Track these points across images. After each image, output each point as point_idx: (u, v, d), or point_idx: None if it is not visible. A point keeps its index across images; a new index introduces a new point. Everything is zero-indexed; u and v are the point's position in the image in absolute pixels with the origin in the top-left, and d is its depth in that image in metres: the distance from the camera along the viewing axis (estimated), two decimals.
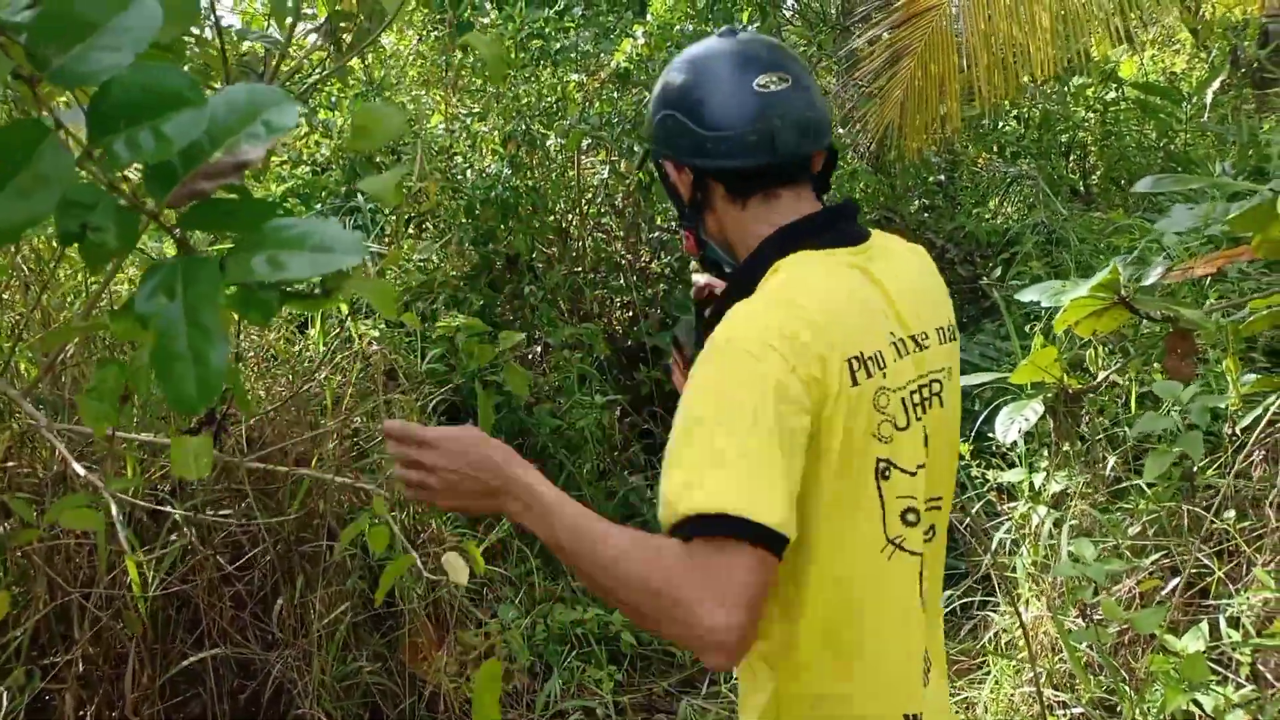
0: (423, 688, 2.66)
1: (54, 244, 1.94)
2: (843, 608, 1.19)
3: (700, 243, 1.36)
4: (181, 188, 0.87)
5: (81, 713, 2.13)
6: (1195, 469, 2.62)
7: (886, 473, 1.19)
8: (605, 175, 5.29)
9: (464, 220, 4.30)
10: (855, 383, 1.15)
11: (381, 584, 1.58)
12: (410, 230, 4.49)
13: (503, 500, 1.15)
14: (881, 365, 1.18)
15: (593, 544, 1.09)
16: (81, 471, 1.45)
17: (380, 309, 0.87)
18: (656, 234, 5.92)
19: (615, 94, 5.04)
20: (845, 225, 1.28)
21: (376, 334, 3.02)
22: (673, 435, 1.10)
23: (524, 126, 4.56)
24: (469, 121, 4.68)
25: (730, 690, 3.06)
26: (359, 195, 4.34)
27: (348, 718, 2.48)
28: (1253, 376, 2.95)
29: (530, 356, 4.53)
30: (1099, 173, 6.42)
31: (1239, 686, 2.33)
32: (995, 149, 6.31)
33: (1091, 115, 6.51)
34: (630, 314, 5.54)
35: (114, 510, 1.41)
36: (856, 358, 1.16)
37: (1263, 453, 2.57)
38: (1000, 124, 6.52)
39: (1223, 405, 2.80)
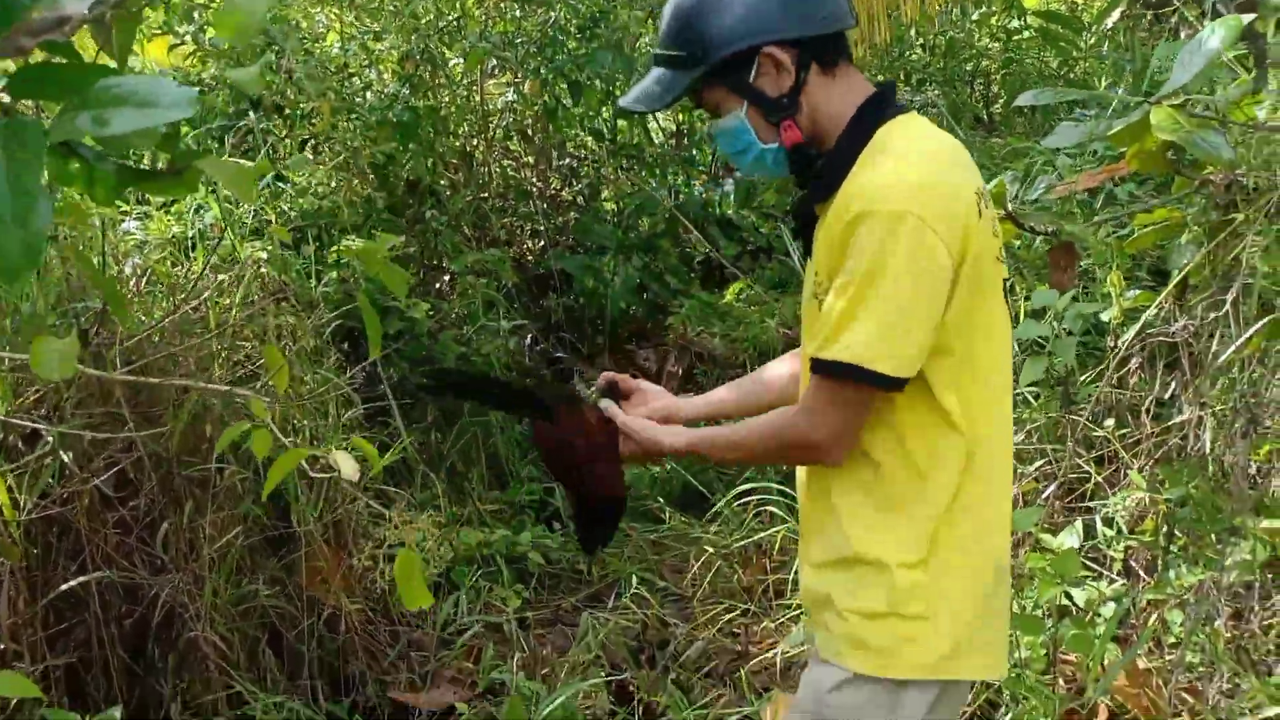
0: (321, 609, 2.64)
1: None
2: (989, 422, 1.38)
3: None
4: (3, 43, 0.81)
5: None
6: (1071, 376, 2.72)
7: (1007, 291, 1.42)
8: (511, 98, 5.17)
9: (361, 142, 4.16)
10: (980, 215, 1.35)
11: (268, 479, 1.54)
12: (305, 153, 4.33)
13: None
14: (988, 202, 1.39)
15: (727, 443, 1.50)
16: None
17: (238, 193, 0.83)
18: (567, 160, 5.84)
19: (518, 13, 4.91)
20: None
21: (265, 255, 2.92)
22: (837, 284, 1.32)
23: (422, 45, 4.42)
24: (365, 39, 4.50)
25: (633, 602, 3.10)
26: (250, 114, 4.16)
27: (244, 640, 2.45)
28: (1135, 292, 3.06)
29: (438, 287, 4.45)
30: (1001, 100, 6.52)
31: (1111, 581, 2.45)
32: (902, 76, 6.35)
33: (995, 44, 6.59)
34: (540, 242, 5.48)
35: None
36: (979, 192, 1.36)
37: (1138, 362, 2.67)
38: (907, 52, 6.56)
39: (1105, 319, 2.90)
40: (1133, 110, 2.03)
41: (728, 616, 3.05)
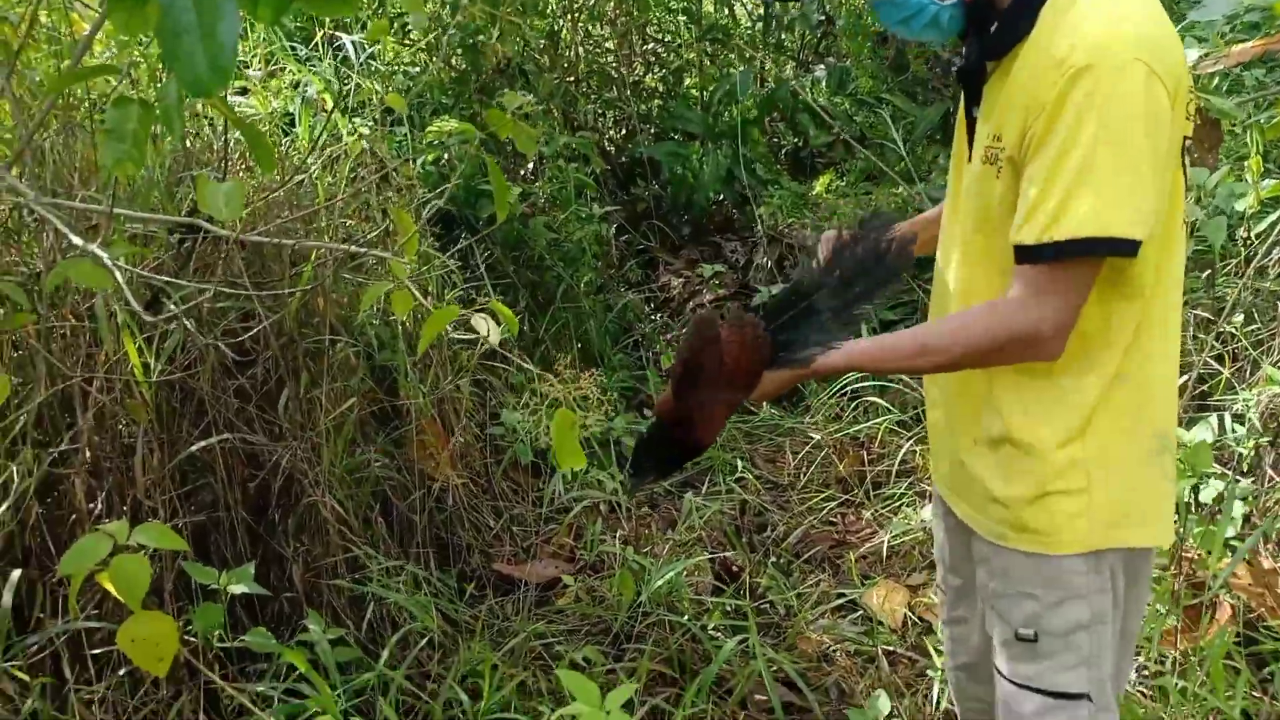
0: (430, 483, 2.68)
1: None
2: (1160, 289, 1.31)
3: None
4: None
5: (92, 501, 2.12)
6: (1216, 260, 2.59)
7: (1186, 150, 1.32)
8: None
9: (448, 21, 4.07)
10: (1183, 65, 1.25)
11: (424, 335, 1.52)
12: (394, 32, 4.24)
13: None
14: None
15: (913, 348, 1.33)
16: (79, 241, 1.37)
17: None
18: (650, 45, 5.66)
19: None
20: None
21: (367, 131, 2.89)
22: (1053, 149, 1.20)
23: None
24: None
25: (737, 483, 3.10)
26: None
27: (359, 507, 2.50)
28: (1271, 181, 2.88)
29: (527, 170, 4.39)
30: None
31: (1238, 479, 2.37)
32: None
33: None
34: (625, 131, 5.36)
35: (118, 276, 1.33)
36: (1180, 43, 1.26)
37: (1277, 256, 2.53)
38: None
39: (1240, 208, 2.75)
40: None
41: (827, 507, 3.04)
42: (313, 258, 2.46)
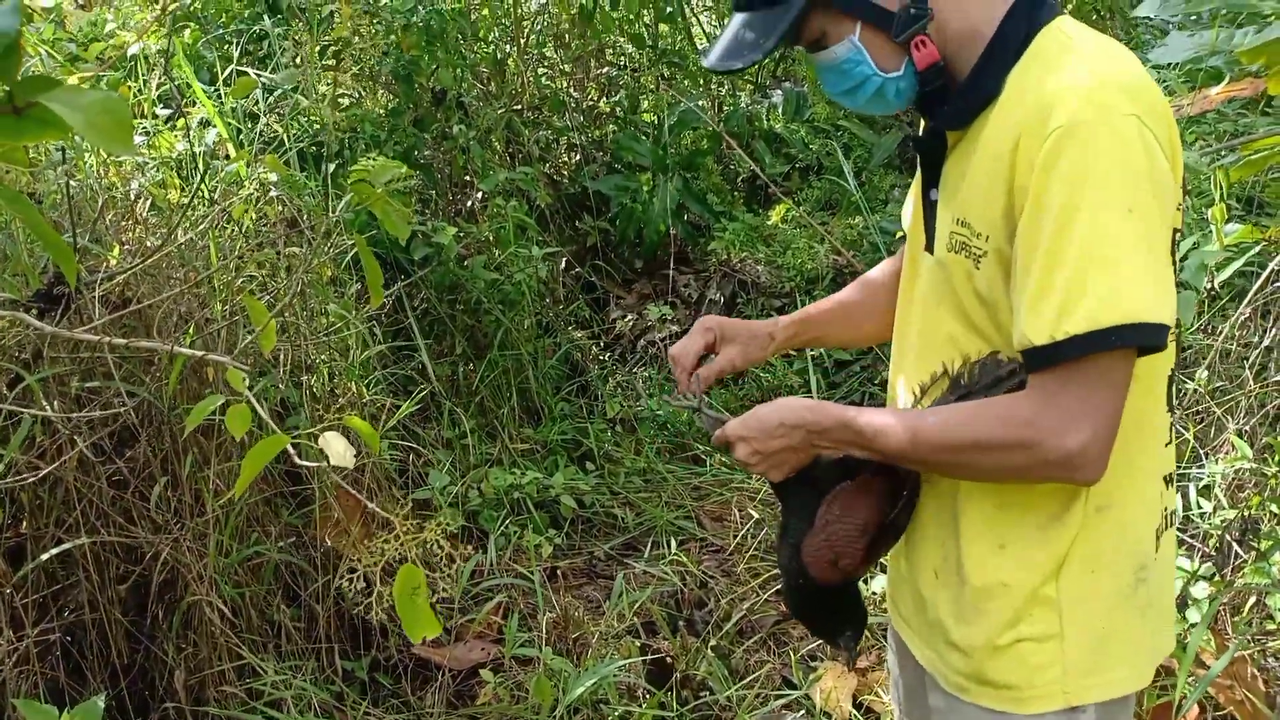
0: (339, 561, 2.47)
1: None
2: (1144, 402, 1.11)
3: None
4: None
5: None
6: (1181, 337, 2.43)
7: (1176, 246, 1.12)
8: (545, 1, 4.82)
9: (383, 49, 3.86)
10: (1178, 142, 1.08)
11: (243, 473, 1.32)
12: (326, 60, 4.04)
13: (819, 450, 1.19)
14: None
15: (926, 425, 1.10)
16: None
17: (106, 143, 0.58)
18: (605, 69, 5.48)
19: None
20: None
21: (274, 177, 2.68)
22: (1048, 231, 1.00)
23: None
24: None
25: (678, 552, 2.91)
26: (265, 19, 3.87)
27: (255, 601, 2.29)
28: (1235, 226, 2.73)
29: (470, 205, 4.19)
30: (1071, 4, 6.02)
31: (1205, 558, 2.21)
32: None
33: None
34: (576, 157, 5.17)
35: None
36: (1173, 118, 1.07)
37: (1248, 311, 2.37)
38: None
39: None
40: (1276, 23, 1.71)
41: (772, 571, 2.86)
42: (193, 326, 2.25)
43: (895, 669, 1.45)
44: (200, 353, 1.39)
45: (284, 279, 2.58)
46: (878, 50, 1.14)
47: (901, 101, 1.18)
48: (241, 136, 3.06)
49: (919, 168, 1.24)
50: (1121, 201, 0.99)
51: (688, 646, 2.46)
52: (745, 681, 2.35)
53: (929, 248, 1.21)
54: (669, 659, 2.40)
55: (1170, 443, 1.19)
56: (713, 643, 2.49)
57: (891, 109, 1.20)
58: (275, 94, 3.36)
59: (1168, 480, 1.19)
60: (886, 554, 1.30)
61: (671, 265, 4.88)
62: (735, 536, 3.05)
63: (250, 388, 2.26)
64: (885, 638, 2.41)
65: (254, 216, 2.56)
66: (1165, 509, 1.19)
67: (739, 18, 1.19)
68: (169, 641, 2.11)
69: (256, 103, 3.31)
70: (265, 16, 3.85)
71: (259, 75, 3.33)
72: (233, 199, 2.52)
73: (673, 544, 2.97)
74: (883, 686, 2.33)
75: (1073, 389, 1.01)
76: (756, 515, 3.08)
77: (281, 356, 2.63)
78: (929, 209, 1.22)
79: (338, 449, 1.30)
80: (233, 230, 2.54)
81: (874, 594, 2.61)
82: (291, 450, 1.33)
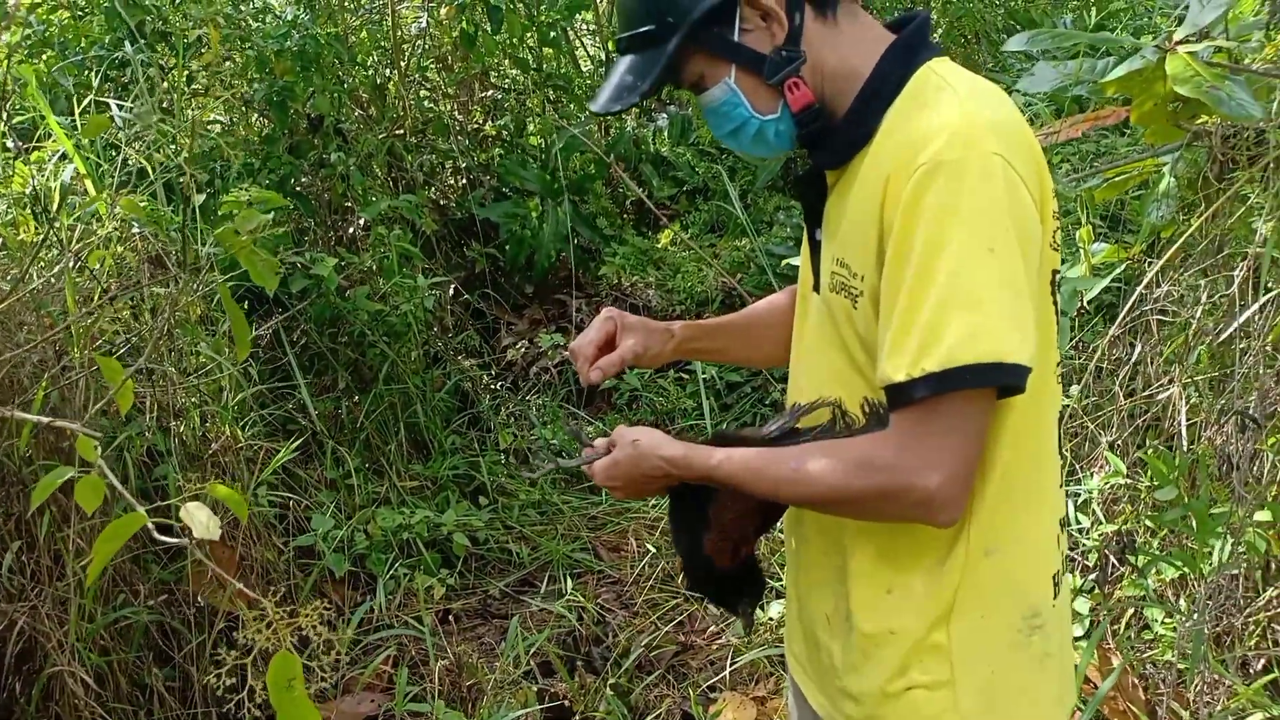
0: (214, 618, 2.34)
1: None
2: (1029, 444, 1.10)
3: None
4: None
5: None
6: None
7: (1056, 285, 1.13)
8: (424, 24, 4.73)
9: (256, 75, 3.73)
10: (1049, 181, 1.08)
11: (96, 558, 1.23)
12: (195, 87, 3.87)
13: (681, 479, 1.19)
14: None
15: (788, 475, 1.09)
16: None
17: None
18: (490, 93, 5.42)
19: None
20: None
21: (137, 214, 2.53)
22: (913, 269, 1.00)
23: None
24: None
25: (575, 590, 2.86)
26: (127, 45, 3.69)
27: (124, 667, 2.15)
28: (1102, 246, 2.84)
29: (352, 232, 4.07)
30: (941, 30, 6.24)
31: (1086, 572, 2.28)
32: None
33: None
34: (462, 182, 5.09)
35: None
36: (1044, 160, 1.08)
37: (1119, 330, 2.46)
38: None
39: (1071, 275, 2.69)
40: (1134, 56, 1.77)
41: (671, 603, 2.83)
42: (53, 370, 2.11)
43: (794, 712, 1.44)
44: (46, 419, 1.28)
45: (148, 321, 2.44)
46: (753, 93, 1.13)
47: (784, 143, 1.17)
48: (102, 170, 2.89)
49: (803, 211, 1.24)
50: (984, 241, 0.99)
51: (586, 686, 2.41)
52: (645, 719, 2.32)
53: (816, 287, 1.21)
54: (566, 703, 2.34)
55: (1062, 485, 1.20)
56: (612, 680, 2.44)
57: (775, 151, 1.19)
58: (137, 125, 3.20)
59: (1063, 524, 1.20)
60: (776, 521, 1.31)
61: (563, 290, 4.85)
62: (633, 567, 3.02)
63: (110, 441, 2.13)
64: (784, 666, 2.41)
65: (114, 256, 2.41)
66: (1062, 553, 1.20)
67: (623, 61, 1.18)
68: (28, 717, 1.96)
69: (119, 133, 3.14)
70: (127, 42, 3.66)
71: (119, 104, 3.16)
72: (91, 239, 2.37)
73: (569, 581, 2.92)
74: (781, 715, 2.33)
75: (931, 428, 1.01)
76: (653, 545, 3.06)
77: (148, 402, 2.49)
78: (814, 249, 1.22)
79: (201, 519, 1.22)
80: (92, 272, 2.39)
81: (771, 619, 2.61)
82: (152, 528, 1.24)
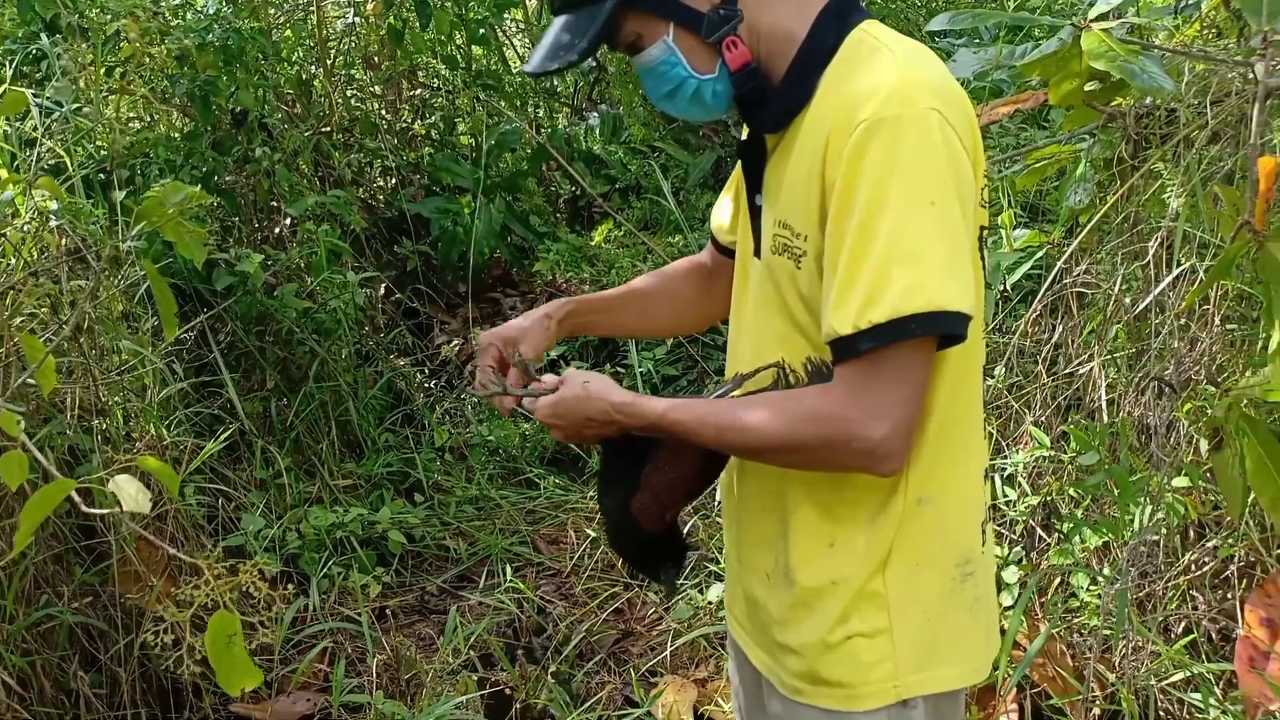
0: (141, 620, 2.27)
1: None
2: (963, 394, 1.15)
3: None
4: None
5: None
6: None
7: (984, 243, 1.16)
8: (352, 20, 4.67)
9: (177, 69, 3.64)
10: (979, 139, 1.11)
11: (23, 524, 1.19)
12: (114, 82, 3.77)
13: (623, 428, 1.18)
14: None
15: (733, 422, 1.10)
16: None
17: None
18: (418, 91, 5.36)
19: None
20: None
21: (54, 206, 2.45)
22: (855, 222, 1.02)
23: None
24: None
25: (514, 580, 2.85)
26: (43, 37, 3.58)
27: (48, 669, 2.07)
28: (1023, 231, 2.93)
29: (278, 232, 3.99)
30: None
31: (1013, 544, 2.33)
32: None
33: None
34: (392, 181, 5.03)
35: None
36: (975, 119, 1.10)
37: (1037, 309, 2.53)
38: None
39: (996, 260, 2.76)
40: (1050, 37, 1.83)
41: (610, 591, 2.83)
42: None
43: (735, 678, 1.45)
44: None
45: (67, 314, 2.36)
46: (691, 51, 1.14)
47: (720, 104, 1.18)
48: (18, 162, 2.80)
49: (742, 174, 1.26)
50: (925, 195, 1.01)
51: (527, 675, 2.40)
52: (587, 705, 2.31)
53: (757, 253, 1.22)
54: (508, 690, 2.33)
55: (985, 436, 1.24)
56: (553, 669, 2.43)
57: (711, 114, 1.20)
58: (55, 117, 3.10)
59: (986, 474, 1.23)
60: (706, 490, 1.32)
61: (498, 289, 4.82)
62: (571, 558, 3.02)
63: (30, 435, 2.06)
64: (724, 647, 2.43)
65: (32, 247, 2.33)
66: (987, 502, 1.24)
67: (557, 21, 1.18)
68: None
69: (35, 128, 3.04)
70: (43, 35, 3.55)
71: (35, 96, 3.06)
72: (6, 227, 2.29)
73: (508, 571, 2.90)
74: (723, 695, 2.34)
75: (877, 379, 1.04)
76: (592, 534, 3.05)
77: (69, 399, 2.41)
78: (754, 214, 1.23)
79: (130, 492, 1.19)
80: (7, 263, 2.31)
81: (710, 603, 2.63)
82: (78, 498, 1.21)
